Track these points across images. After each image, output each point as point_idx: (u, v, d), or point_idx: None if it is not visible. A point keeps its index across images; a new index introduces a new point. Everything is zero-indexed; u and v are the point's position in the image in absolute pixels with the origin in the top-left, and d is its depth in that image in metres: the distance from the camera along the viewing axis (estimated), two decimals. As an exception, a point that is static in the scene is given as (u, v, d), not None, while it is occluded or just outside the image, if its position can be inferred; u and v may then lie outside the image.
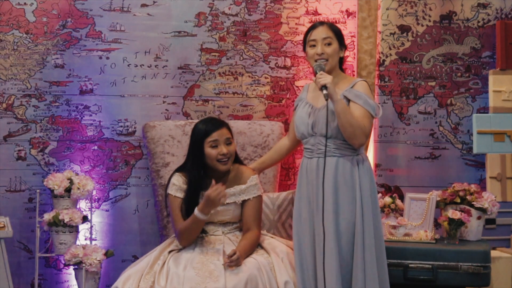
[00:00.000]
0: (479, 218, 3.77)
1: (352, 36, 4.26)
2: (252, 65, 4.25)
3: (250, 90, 4.25)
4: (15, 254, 4.07)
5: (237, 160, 3.57)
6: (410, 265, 3.55)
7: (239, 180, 3.51)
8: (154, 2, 4.20)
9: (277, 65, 4.26)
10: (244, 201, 3.50)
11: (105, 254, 3.80)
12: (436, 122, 4.34)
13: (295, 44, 4.26)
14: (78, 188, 3.83)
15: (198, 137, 3.46)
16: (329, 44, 3.36)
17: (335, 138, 3.28)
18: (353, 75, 4.20)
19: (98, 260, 3.74)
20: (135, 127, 4.17)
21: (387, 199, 3.82)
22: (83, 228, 3.96)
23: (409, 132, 4.33)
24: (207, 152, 3.44)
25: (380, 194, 3.80)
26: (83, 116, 4.15)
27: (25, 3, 4.13)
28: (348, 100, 3.29)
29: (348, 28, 4.25)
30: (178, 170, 3.54)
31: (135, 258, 4.01)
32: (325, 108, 3.27)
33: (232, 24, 4.24)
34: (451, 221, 3.67)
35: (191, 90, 4.22)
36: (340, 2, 4.29)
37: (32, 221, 4.01)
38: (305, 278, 3.28)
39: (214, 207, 3.34)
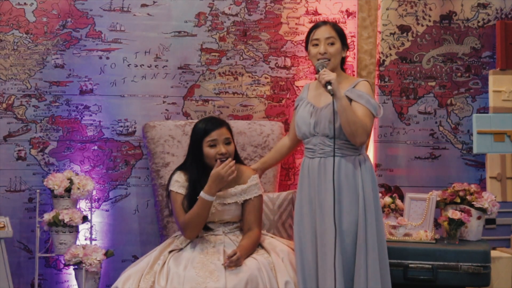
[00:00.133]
0: (479, 218, 3.77)
1: (352, 36, 4.25)
2: (252, 65, 4.24)
3: (250, 90, 4.25)
4: (15, 254, 4.07)
5: (238, 160, 3.57)
6: (410, 265, 3.55)
7: (240, 180, 3.50)
8: (154, 2, 4.20)
9: (277, 65, 4.26)
10: (245, 201, 3.50)
11: (105, 254, 3.80)
12: (436, 122, 4.34)
13: (295, 44, 4.26)
14: (78, 188, 3.83)
15: (198, 136, 3.46)
16: (332, 44, 3.37)
17: (338, 138, 3.28)
18: (353, 75, 4.20)
19: (98, 260, 3.74)
20: (135, 127, 4.17)
21: (387, 199, 3.82)
22: (83, 228, 3.96)
23: (409, 132, 4.33)
24: (206, 152, 3.44)
25: (380, 194, 3.80)
26: (83, 116, 4.15)
27: (25, 3, 4.12)
28: (350, 100, 3.29)
29: (348, 28, 4.25)
30: (179, 168, 3.54)
31: (135, 258, 4.01)
32: (327, 107, 3.28)
33: (232, 24, 4.23)
34: (451, 221, 3.66)
35: (191, 90, 4.22)
36: (340, 2, 4.29)
37: (32, 221, 4.01)
38: (306, 278, 3.28)
39: (222, 185, 3.35)
